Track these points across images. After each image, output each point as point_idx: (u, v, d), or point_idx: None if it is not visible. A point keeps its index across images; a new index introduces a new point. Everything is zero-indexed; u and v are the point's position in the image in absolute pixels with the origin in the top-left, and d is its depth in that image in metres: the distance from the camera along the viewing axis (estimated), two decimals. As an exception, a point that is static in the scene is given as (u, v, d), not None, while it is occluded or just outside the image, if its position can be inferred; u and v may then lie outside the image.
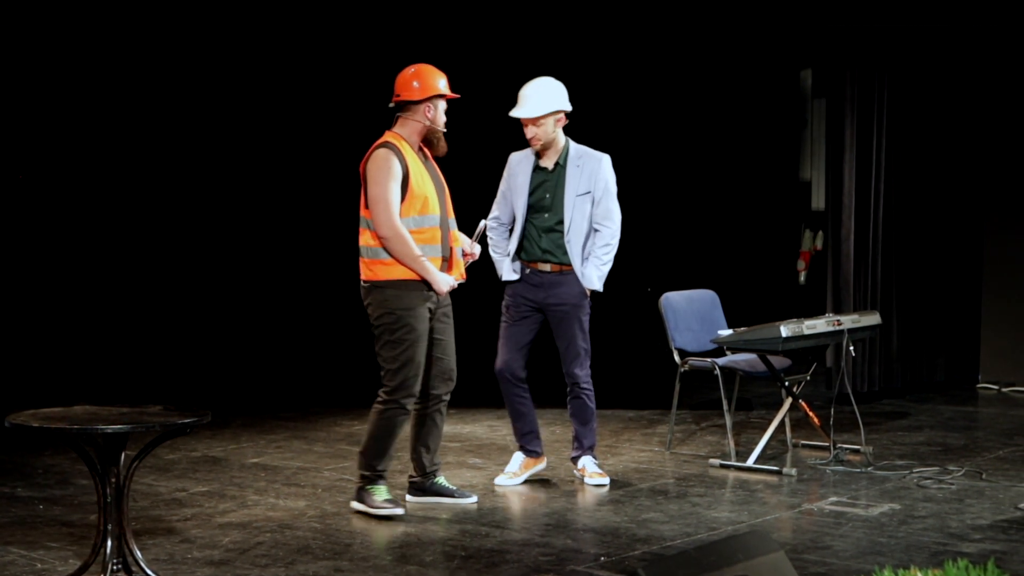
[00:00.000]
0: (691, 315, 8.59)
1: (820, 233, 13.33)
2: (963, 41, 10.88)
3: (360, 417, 9.18)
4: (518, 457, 7.65)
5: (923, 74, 10.72)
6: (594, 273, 7.49)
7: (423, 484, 7.13)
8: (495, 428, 9.33)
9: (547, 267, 7.47)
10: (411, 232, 6.73)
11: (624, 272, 13.94)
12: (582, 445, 7.63)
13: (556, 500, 7.25)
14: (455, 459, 8.29)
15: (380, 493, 6.85)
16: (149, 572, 5.59)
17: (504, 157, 7.65)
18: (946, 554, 5.98)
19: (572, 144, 7.56)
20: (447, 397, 7.10)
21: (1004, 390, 10.89)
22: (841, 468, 7.97)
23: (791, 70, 14.12)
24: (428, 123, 6.82)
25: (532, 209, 7.45)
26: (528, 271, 7.51)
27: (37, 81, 10.93)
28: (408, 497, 7.13)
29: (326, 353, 11.60)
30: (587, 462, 7.61)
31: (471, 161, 9.06)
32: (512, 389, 7.58)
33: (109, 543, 5.46)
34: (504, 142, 7.91)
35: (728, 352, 8.39)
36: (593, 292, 7.55)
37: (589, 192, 7.49)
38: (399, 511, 6.79)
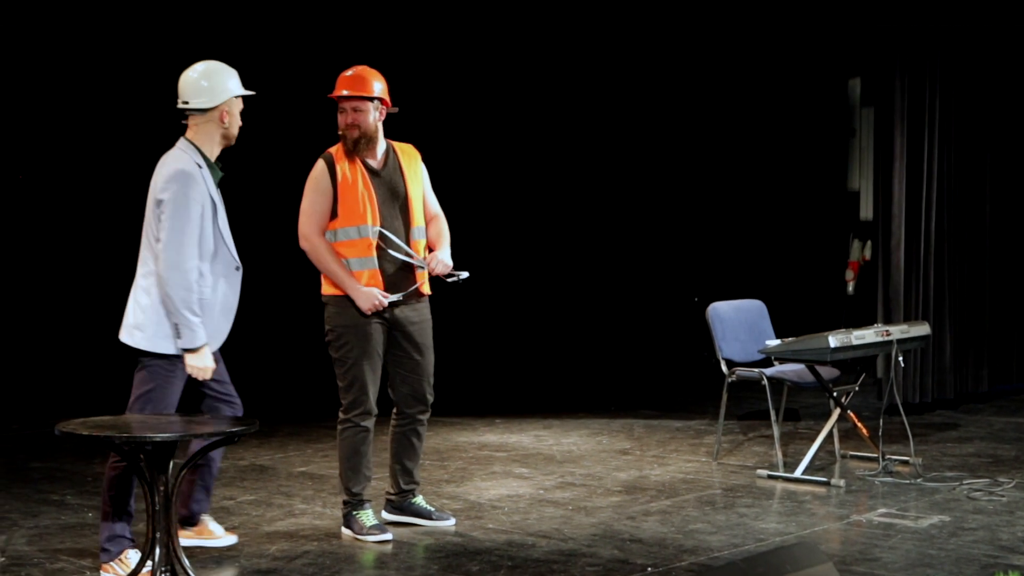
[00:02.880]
0: (739, 325, 8.56)
1: (868, 243, 13.27)
2: (1015, 48, 10.80)
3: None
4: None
5: (973, 82, 10.65)
6: None
7: (399, 503, 6.92)
8: (541, 438, 9.32)
9: None
10: (340, 244, 6.50)
11: (672, 282, 14.02)
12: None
13: (603, 510, 7.23)
14: (501, 469, 8.29)
15: (366, 519, 6.62)
16: (197, 580, 5.60)
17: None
18: (996, 567, 5.92)
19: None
20: (422, 417, 6.83)
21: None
22: (890, 479, 7.91)
23: (840, 79, 14.06)
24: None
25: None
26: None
27: (37, 81, 10.97)
28: (384, 513, 6.92)
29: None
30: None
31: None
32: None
33: (157, 551, 5.48)
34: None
35: (776, 362, 8.35)
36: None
37: None
38: (387, 536, 6.56)
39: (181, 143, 6.11)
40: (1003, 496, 7.45)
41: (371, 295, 6.49)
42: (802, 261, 14.08)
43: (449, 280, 6.74)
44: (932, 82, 10.37)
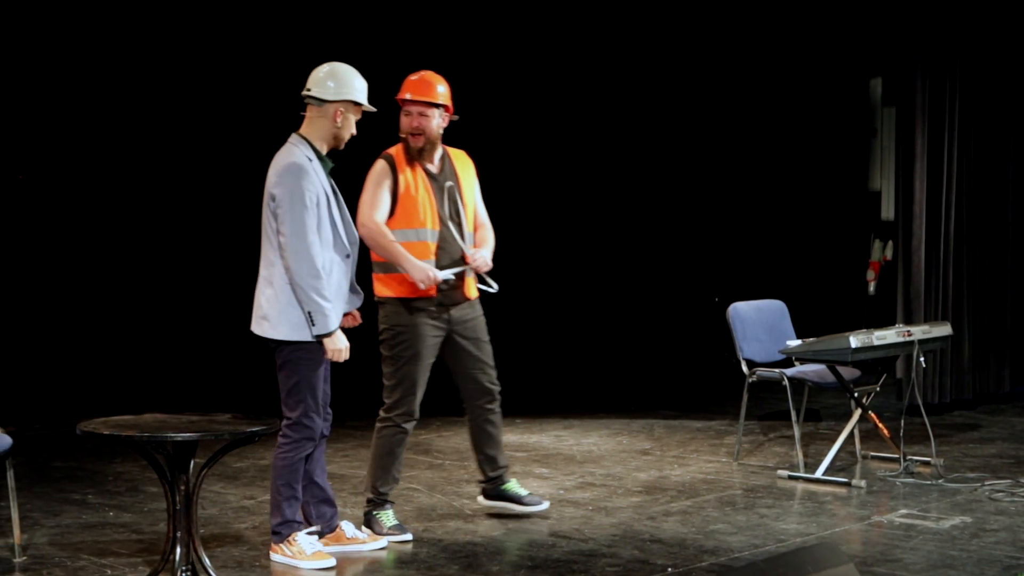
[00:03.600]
0: (759, 325, 8.55)
1: (889, 243, 13.23)
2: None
3: (428, 426, 9.21)
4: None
5: (994, 81, 10.61)
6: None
7: (490, 490, 7.08)
8: (561, 438, 9.32)
9: None
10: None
11: (692, 282, 14.00)
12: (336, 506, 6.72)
13: (623, 510, 7.23)
14: (521, 468, 8.28)
15: (387, 519, 6.67)
16: (217, 579, 5.62)
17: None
18: (1019, 568, 5.91)
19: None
20: (490, 406, 6.94)
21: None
22: (911, 480, 7.89)
23: (861, 79, 14.03)
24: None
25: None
26: None
27: (37, 81, 10.97)
28: (480, 499, 7.12)
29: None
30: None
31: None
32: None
33: (178, 550, 5.50)
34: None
35: (797, 363, 8.34)
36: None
37: None
38: (407, 536, 6.63)
39: (293, 138, 6.22)
40: (1025, 497, 7.43)
41: (425, 268, 6.52)
42: (823, 261, 14.04)
43: (480, 287, 6.83)
44: (953, 82, 10.35)
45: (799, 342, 7.97)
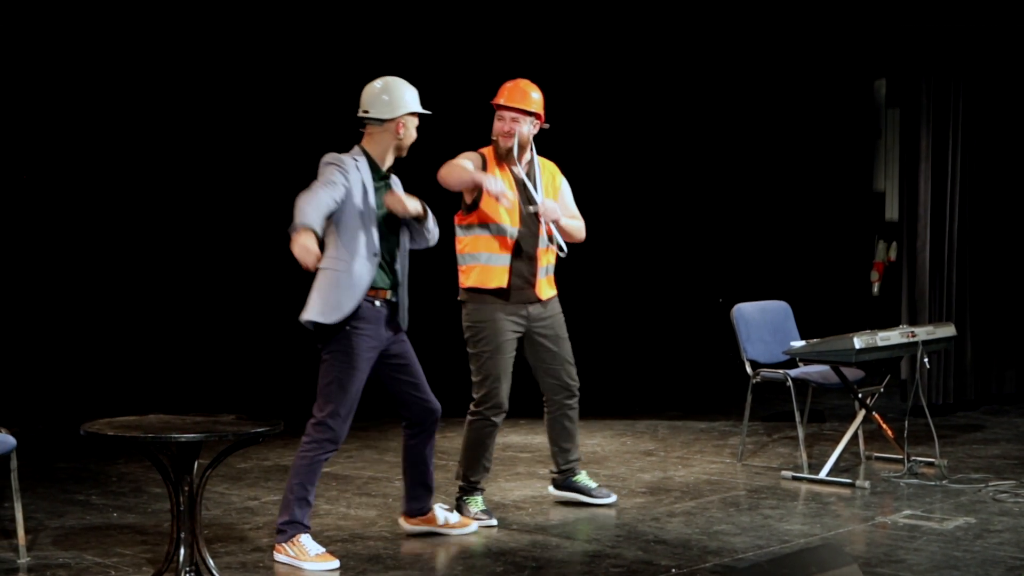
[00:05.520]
0: (763, 326, 8.54)
1: (894, 244, 13.24)
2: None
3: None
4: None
5: (999, 82, 10.61)
6: None
7: (560, 481, 7.39)
8: (566, 439, 9.30)
9: None
10: (477, 237, 6.88)
11: (696, 283, 13.99)
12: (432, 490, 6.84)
13: (627, 511, 7.23)
14: (525, 469, 8.29)
15: (475, 504, 7.00)
16: (221, 580, 5.62)
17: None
18: (1022, 568, 5.90)
19: None
20: (568, 402, 7.23)
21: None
22: (915, 481, 7.89)
23: (865, 80, 14.03)
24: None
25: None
26: None
27: (40, 82, 10.98)
28: (550, 489, 7.44)
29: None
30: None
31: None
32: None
33: (182, 551, 5.50)
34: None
35: (800, 363, 8.34)
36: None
37: None
38: (492, 522, 6.91)
39: (354, 149, 6.40)
40: (1029, 498, 7.43)
41: (496, 179, 6.74)
42: (827, 262, 14.05)
43: (552, 244, 7.04)
44: (957, 83, 10.34)
45: (803, 343, 7.97)
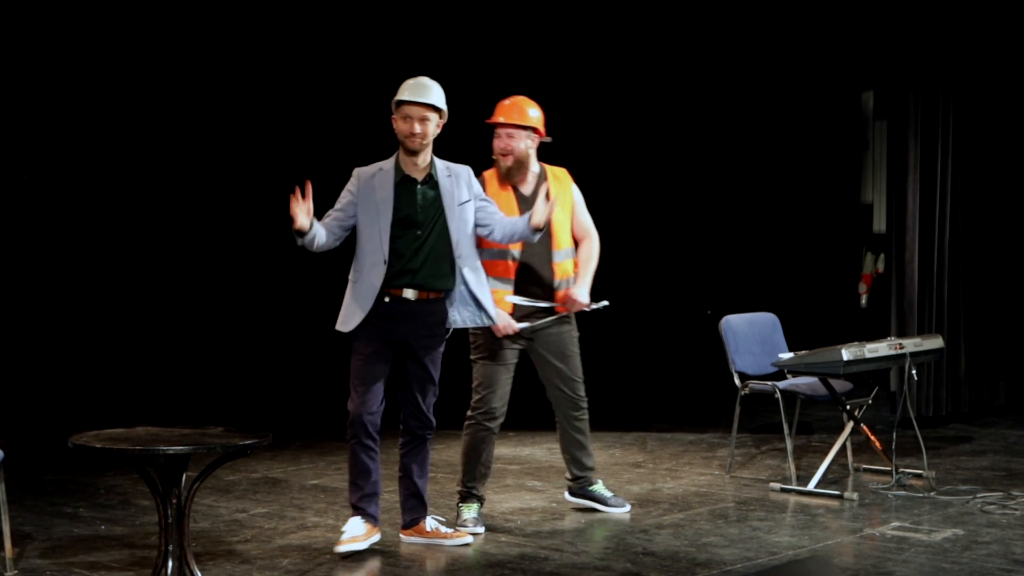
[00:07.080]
0: (752, 338, 8.55)
1: (882, 256, 13.25)
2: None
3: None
4: (358, 522, 6.66)
5: (987, 94, 10.64)
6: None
7: (576, 488, 7.47)
8: (554, 451, 9.29)
9: None
10: (484, 262, 6.85)
11: (685, 295, 14.00)
12: (425, 503, 6.87)
13: (616, 523, 7.23)
14: (514, 481, 8.28)
15: (467, 511, 7.03)
16: (209, 593, 5.61)
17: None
18: (1011, 581, 5.91)
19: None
20: (576, 414, 7.30)
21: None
22: (903, 493, 7.90)
23: (853, 92, 14.05)
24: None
25: None
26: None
27: (40, 82, 10.98)
28: (566, 495, 7.53)
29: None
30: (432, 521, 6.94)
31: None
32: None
33: (170, 563, 5.49)
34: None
35: (789, 375, 8.35)
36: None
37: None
38: (478, 529, 6.94)
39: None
40: (1017, 510, 7.43)
41: (501, 316, 6.86)
42: (815, 274, 14.06)
43: (592, 307, 7.22)
44: (945, 95, 10.37)
45: (791, 355, 7.97)
